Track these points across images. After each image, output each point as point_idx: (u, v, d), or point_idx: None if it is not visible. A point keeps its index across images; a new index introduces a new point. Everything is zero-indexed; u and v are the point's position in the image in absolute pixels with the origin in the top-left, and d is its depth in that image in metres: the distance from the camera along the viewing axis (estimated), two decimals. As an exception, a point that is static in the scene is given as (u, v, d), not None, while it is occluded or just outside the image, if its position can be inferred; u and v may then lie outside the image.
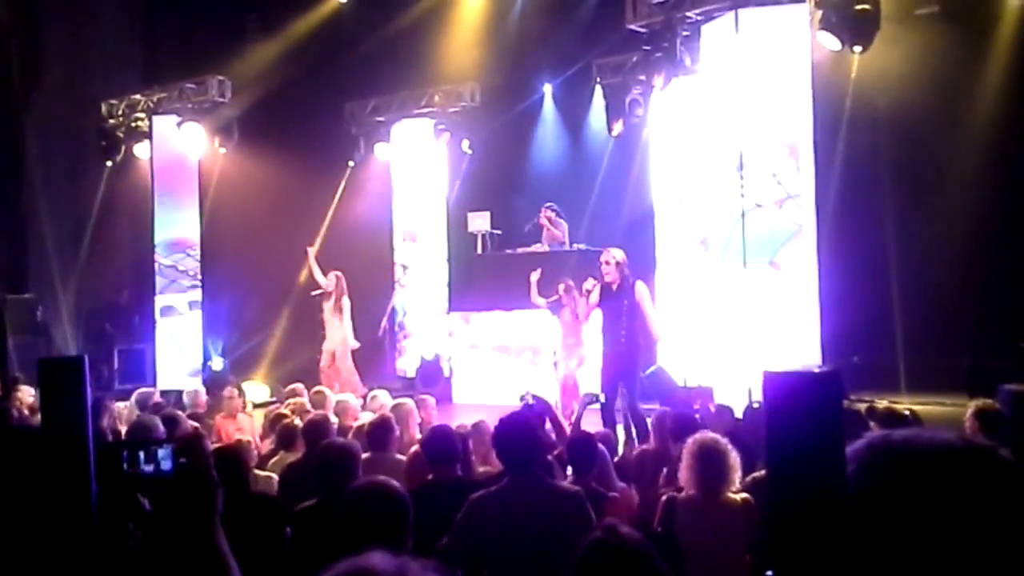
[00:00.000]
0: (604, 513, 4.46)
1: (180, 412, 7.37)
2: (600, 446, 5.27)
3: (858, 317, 10.14)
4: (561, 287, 10.12)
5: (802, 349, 9.65)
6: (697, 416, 6.69)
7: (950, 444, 1.10)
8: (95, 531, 1.86)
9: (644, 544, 2.34)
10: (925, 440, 1.11)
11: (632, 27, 11.19)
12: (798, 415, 0.99)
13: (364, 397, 8.48)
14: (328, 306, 11.62)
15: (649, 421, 6.88)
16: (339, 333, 11.57)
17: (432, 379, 12.53)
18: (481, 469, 5.13)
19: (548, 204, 11.94)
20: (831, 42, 9.82)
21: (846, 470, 1.00)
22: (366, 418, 6.70)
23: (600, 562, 2.26)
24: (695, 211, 10.95)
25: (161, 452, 2.01)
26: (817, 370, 1.00)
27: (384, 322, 13.61)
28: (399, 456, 5.35)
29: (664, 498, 4.46)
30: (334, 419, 6.97)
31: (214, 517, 1.79)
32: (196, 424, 6.83)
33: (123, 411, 8.55)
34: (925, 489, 1.04)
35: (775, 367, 1.07)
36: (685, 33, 10.69)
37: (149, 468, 1.99)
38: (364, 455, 4.75)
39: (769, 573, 1.05)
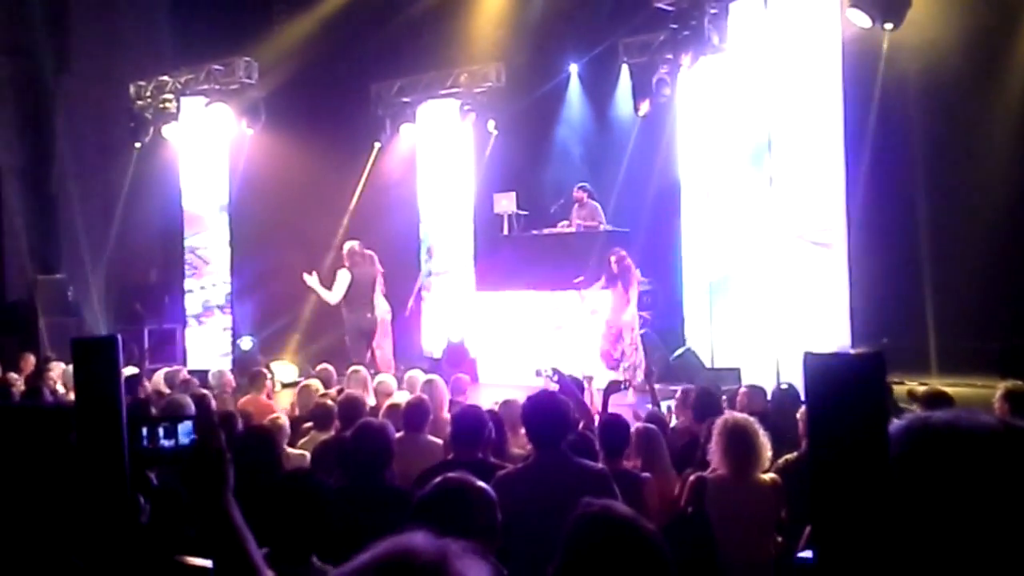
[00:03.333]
0: (643, 495, 4.48)
1: (207, 391, 7.47)
2: (651, 426, 5.26)
3: (889, 298, 10.05)
4: (613, 258, 10.20)
5: (832, 330, 9.58)
6: (723, 398, 6.67)
7: (990, 426, 1.09)
8: (129, 507, 1.88)
9: (636, 518, 2.32)
10: (965, 422, 1.10)
11: (659, 5, 11.09)
12: (841, 397, 0.97)
13: (399, 378, 8.47)
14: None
15: (673, 403, 6.87)
16: (379, 310, 11.56)
17: (458, 359, 12.55)
18: (516, 451, 5.13)
19: (581, 184, 11.90)
20: (861, 19, 9.68)
21: (890, 453, 0.98)
22: (399, 397, 6.74)
23: (593, 537, 2.24)
24: (722, 193, 10.87)
25: (181, 428, 2.03)
26: (859, 351, 0.99)
27: (411, 303, 13.63)
28: (431, 438, 5.36)
29: (693, 478, 4.46)
30: (372, 399, 7.02)
31: (225, 491, 1.82)
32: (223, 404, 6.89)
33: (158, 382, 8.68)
34: (968, 471, 1.03)
35: (807, 348, 1.06)
36: (713, 11, 10.58)
37: (169, 443, 2.01)
38: (398, 434, 4.77)
39: (801, 554, 1.04)
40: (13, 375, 9.39)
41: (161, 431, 2.00)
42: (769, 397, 6.63)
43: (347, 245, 11.32)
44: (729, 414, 4.50)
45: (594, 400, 7.28)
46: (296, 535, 2.80)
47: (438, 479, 2.73)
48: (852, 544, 0.92)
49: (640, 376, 10.09)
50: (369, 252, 11.38)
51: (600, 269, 10.65)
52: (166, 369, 9.74)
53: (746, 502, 4.27)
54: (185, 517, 1.93)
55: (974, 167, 10.20)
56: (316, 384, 7.57)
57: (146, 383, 8.39)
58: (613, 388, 6.66)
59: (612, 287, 10.40)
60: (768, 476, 4.38)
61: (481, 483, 2.75)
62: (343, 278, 11.02)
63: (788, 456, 4.78)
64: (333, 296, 11.04)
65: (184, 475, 1.85)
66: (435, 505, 2.62)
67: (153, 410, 5.87)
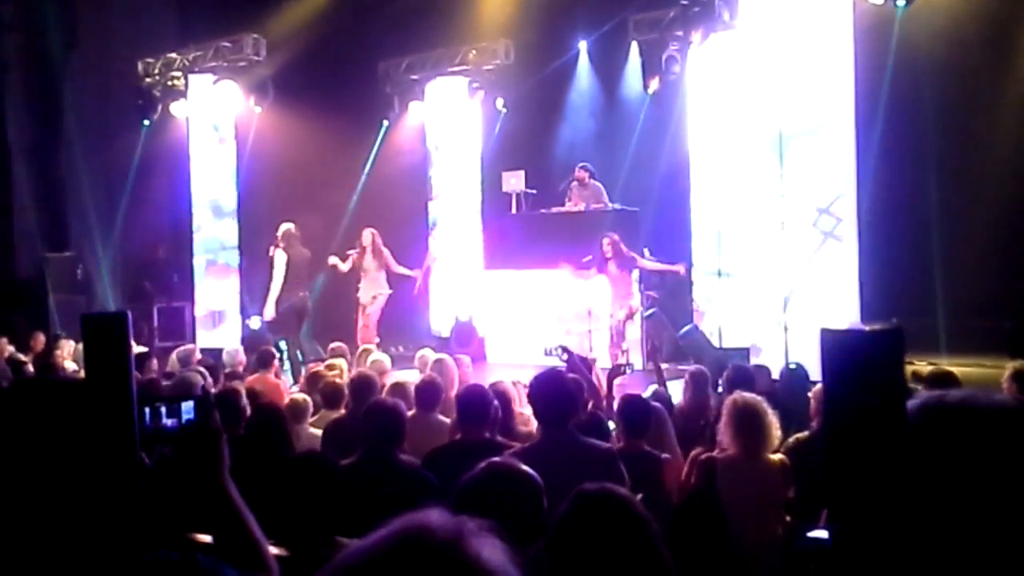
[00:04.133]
0: (662, 475, 4.48)
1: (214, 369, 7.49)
2: (657, 405, 5.26)
3: (898, 278, 10.01)
4: (605, 241, 10.16)
5: (841, 310, 9.54)
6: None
7: (1005, 404, 1.10)
8: (139, 486, 1.88)
9: (631, 500, 2.32)
10: (982, 401, 1.10)
11: (669, -18, 11.02)
12: (858, 374, 0.96)
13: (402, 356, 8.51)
14: (367, 262, 11.66)
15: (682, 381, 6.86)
16: (368, 290, 11.65)
17: (466, 339, 12.56)
18: (523, 429, 5.13)
19: (582, 164, 11.85)
20: (874, -4, 9.60)
21: (908, 431, 0.98)
22: (405, 376, 6.75)
23: (585, 516, 2.25)
24: (732, 171, 10.81)
25: (184, 407, 2.03)
26: (876, 327, 0.97)
27: (419, 281, 13.63)
28: (441, 417, 5.37)
29: (703, 458, 4.46)
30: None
31: (222, 469, 1.85)
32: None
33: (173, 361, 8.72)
34: (983, 448, 1.03)
35: (818, 327, 1.05)
36: (724, -13, 10.50)
37: (172, 423, 2.02)
38: (409, 412, 4.78)
39: (812, 533, 1.04)
40: (20, 356, 9.42)
41: (164, 410, 2.01)
42: (777, 377, 6.62)
43: (283, 227, 11.52)
44: (738, 394, 4.49)
45: (600, 381, 7.28)
46: (317, 516, 2.82)
47: (483, 464, 2.65)
48: (869, 522, 0.92)
49: (625, 356, 10.10)
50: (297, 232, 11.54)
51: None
52: (181, 348, 9.77)
53: (755, 482, 4.28)
54: (183, 494, 1.94)
55: (986, 147, 10.14)
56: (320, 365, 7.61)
57: (154, 361, 8.41)
58: (615, 372, 6.65)
59: (604, 271, 10.37)
60: (776, 456, 4.39)
61: (527, 469, 2.66)
62: (280, 259, 11.32)
63: (799, 435, 4.78)
64: (277, 277, 11.34)
65: (180, 453, 1.87)
66: (481, 490, 2.55)
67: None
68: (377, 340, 11.19)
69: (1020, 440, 1.04)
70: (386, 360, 7.74)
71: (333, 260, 11.79)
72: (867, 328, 0.98)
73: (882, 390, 0.95)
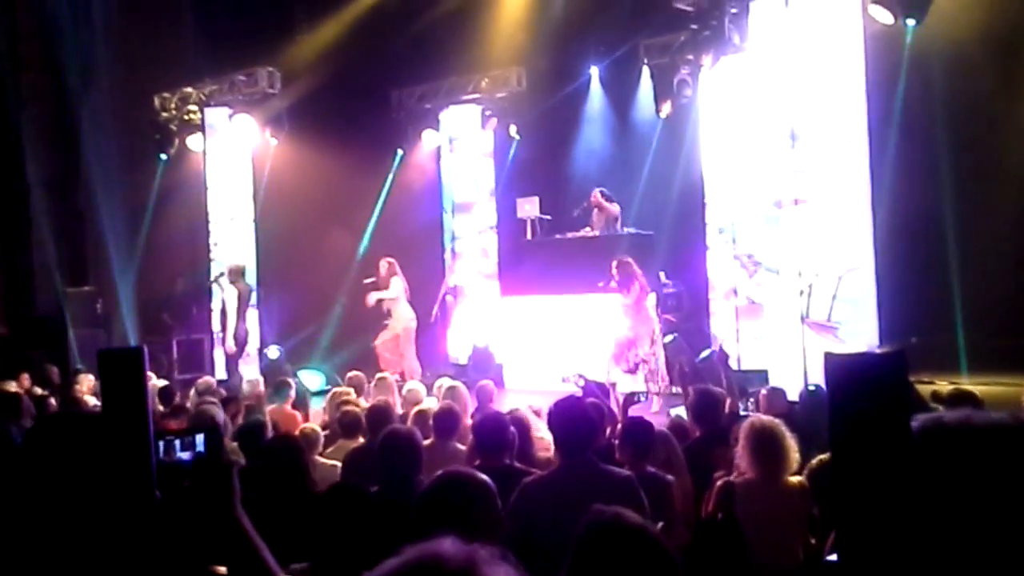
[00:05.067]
0: (671, 497, 4.46)
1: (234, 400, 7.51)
2: (662, 430, 5.25)
3: (916, 297, 9.94)
4: (615, 264, 10.14)
5: (859, 331, 9.49)
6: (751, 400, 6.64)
7: (1004, 424, 1.10)
8: (156, 517, 1.90)
9: (646, 526, 2.31)
10: (978, 421, 1.10)
11: (679, 6, 11.06)
12: (862, 397, 0.96)
13: (428, 385, 8.55)
14: (396, 291, 11.87)
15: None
16: (403, 317, 11.82)
17: (484, 365, 12.56)
18: (543, 455, 5.13)
19: (599, 188, 11.89)
20: (883, 15, 9.60)
21: (912, 452, 0.98)
22: (427, 404, 6.75)
23: (601, 543, 2.24)
24: (745, 193, 10.82)
25: (199, 439, 2.05)
26: (880, 351, 0.98)
27: (436, 309, 13.66)
28: (458, 444, 5.38)
29: (720, 483, 4.43)
30: (399, 407, 7.07)
31: (234, 500, 1.86)
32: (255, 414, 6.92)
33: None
34: (981, 466, 1.04)
35: (835, 349, 1.05)
36: (733, 10, 10.54)
37: (187, 455, 2.03)
38: (427, 441, 4.78)
39: (831, 558, 1.04)
40: (37, 388, 9.45)
41: (178, 444, 2.02)
42: (797, 398, 6.59)
43: (234, 264, 12.61)
44: (756, 417, 4.48)
45: (618, 407, 7.27)
46: (346, 549, 2.83)
47: (440, 473, 2.78)
48: (874, 543, 0.92)
49: (662, 384, 10.04)
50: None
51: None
52: (202, 379, 9.81)
53: (775, 505, 4.25)
54: (197, 526, 1.96)
55: (1000, 164, 10.09)
56: (344, 391, 7.62)
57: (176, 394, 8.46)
58: (630, 401, 6.63)
59: (623, 292, 10.35)
60: (796, 479, 4.36)
61: (482, 475, 2.79)
62: (232, 294, 12.37)
63: (822, 457, 4.74)
64: (232, 311, 12.42)
65: (193, 486, 1.88)
66: (439, 500, 2.67)
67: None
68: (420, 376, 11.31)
69: (1017, 459, 1.04)
70: (422, 389, 7.77)
71: (372, 299, 12.00)
72: (869, 350, 0.99)
73: (886, 412, 0.95)
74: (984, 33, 9.78)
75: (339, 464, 5.43)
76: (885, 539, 0.88)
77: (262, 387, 9.18)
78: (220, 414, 5.91)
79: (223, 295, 12.40)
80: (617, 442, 4.83)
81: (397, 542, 1.16)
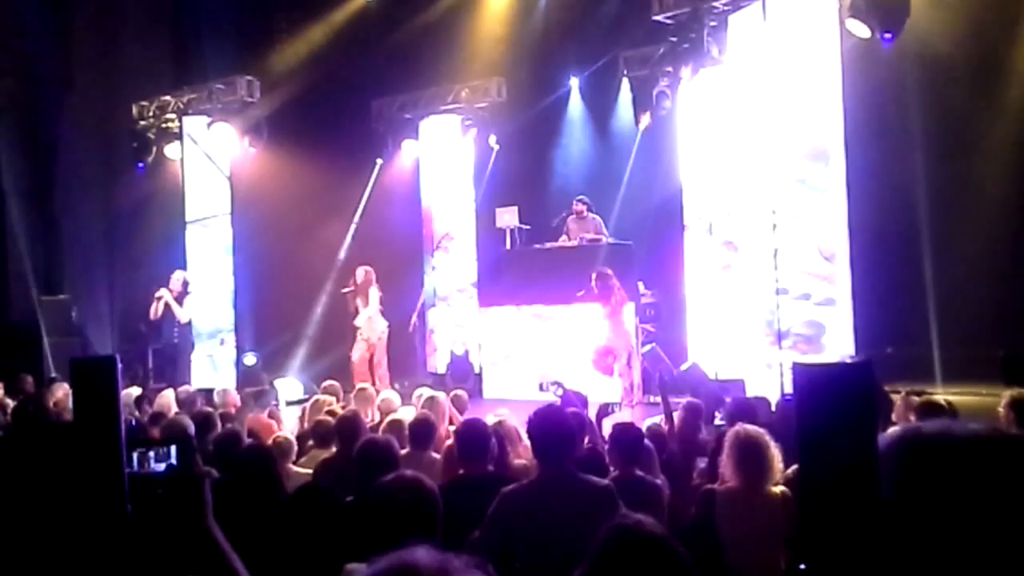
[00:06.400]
0: (661, 500, 4.48)
1: (213, 410, 7.45)
2: (646, 442, 5.26)
3: (891, 307, 10.02)
4: (593, 276, 10.16)
5: (835, 341, 9.56)
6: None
7: (984, 435, 1.09)
8: (127, 527, 1.88)
9: (666, 533, 2.33)
10: (958, 432, 1.09)
11: (658, 18, 11.13)
12: (829, 407, 0.97)
13: (406, 395, 8.53)
14: (360, 301, 11.88)
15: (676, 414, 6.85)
16: (377, 328, 11.82)
17: (463, 375, 12.54)
18: (517, 462, 5.13)
19: (579, 197, 11.91)
20: (860, 30, 9.69)
21: (878, 463, 0.98)
22: (401, 414, 6.73)
23: (623, 550, 2.25)
24: (723, 205, 10.87)
25: (172, 450, 2.04)
26: (849, 360, 0.98)
27: (414, 319, 13.63)
28: (434, 454, 5.36)
29: (703, 490, 4.44)
30: (377, 417, 7.04)
31: (206, 512, 1.86)
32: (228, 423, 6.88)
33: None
34: (959, 481, 1.03)
35: (808, 359, 1.06)
36: (712, 23, 10.61)
37: (160, 467, 2.03)
38: (403, 451, 4.76)
39: (803, 566, 1.04)
40: (8, 400, 9.31)
41: (152, 455, 2.01)
42: (773, 408, 6.60)
43: (181, 275, 13.27)
44: (741, 427, 4.48)
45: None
46: (325, 546, 2.86)
47: (391, 476, 2.89)
48: (841, 555, 0.92)
49: (639, 395, 10.08)
50: None
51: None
52: (181, 388, 9.74)
53: (756, 514, 4.25)
54: (170, 537, 1.95)
55: (976, 175, 10.19)
56: (326, 400, 7.59)
57: (146, 405, 8.38)
58: (603, 412, 6.64)
59: (602, 303, 10.41)
60: (778, 488, 4.36)
61: (423, 477, 2.90)
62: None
63: (797, 466, 4.76)
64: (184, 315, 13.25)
65: (165, 497, 1.88)
66: (388, 499, 2.76)
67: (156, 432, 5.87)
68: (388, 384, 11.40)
69: (995, 468, 1.04)
70: (395, 399, 7.74)
71: (359, 323, 12.06)
72: (837, 360, 0.99)
73: (852, 422, 0.96)
74: (959, 46, 9.90)
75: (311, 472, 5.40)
76: (851, 549, 0.89)
77: (234, 395, 9.12)
78: (192, 426, 5.85)
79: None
80: (607, 447, 4.87)
81: (366, 549, 1.16)
